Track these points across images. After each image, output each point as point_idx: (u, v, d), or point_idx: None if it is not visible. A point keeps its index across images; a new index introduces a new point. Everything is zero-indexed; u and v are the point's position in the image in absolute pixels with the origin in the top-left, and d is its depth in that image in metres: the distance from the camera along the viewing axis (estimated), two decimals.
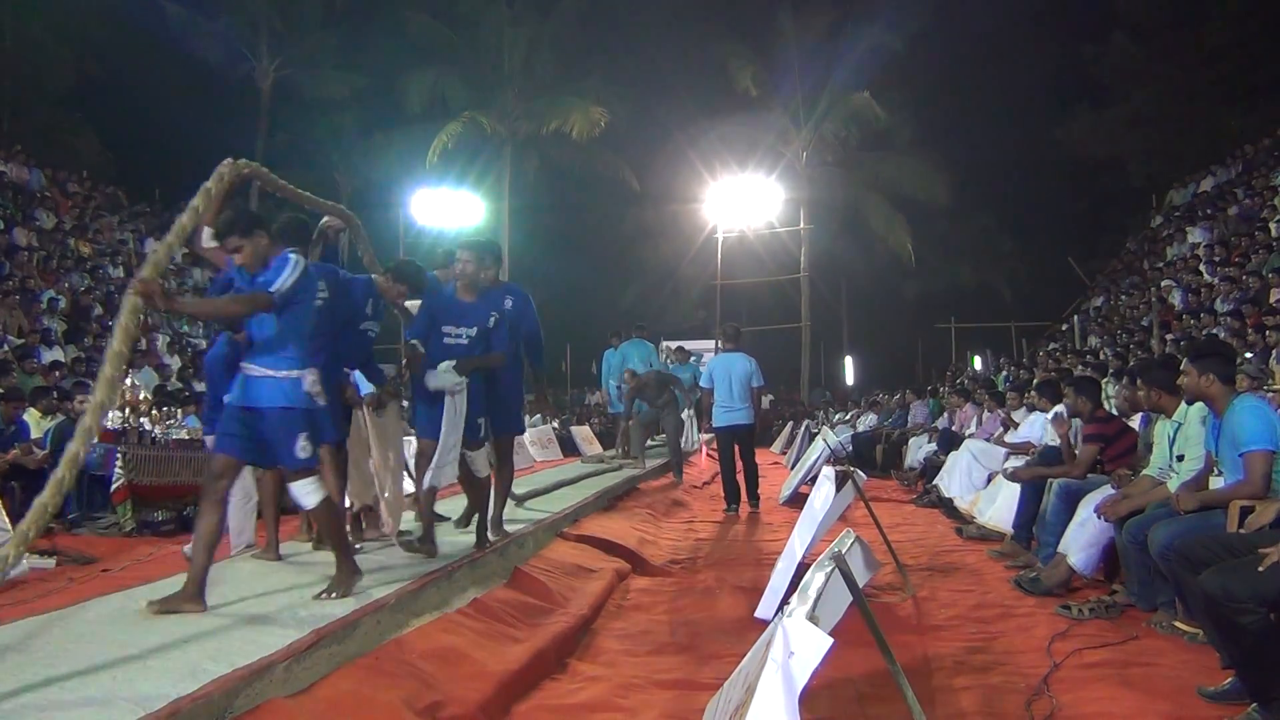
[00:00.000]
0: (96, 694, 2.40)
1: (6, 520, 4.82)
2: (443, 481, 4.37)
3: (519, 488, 6.97)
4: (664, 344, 15.32)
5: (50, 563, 5.07)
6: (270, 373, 3.41)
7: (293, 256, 3.48)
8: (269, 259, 3.47)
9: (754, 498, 8.20)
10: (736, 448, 8.05)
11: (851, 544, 3.44)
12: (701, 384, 8.31)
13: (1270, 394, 5.70)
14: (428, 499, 4.49)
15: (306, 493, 3.49)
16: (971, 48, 25.20)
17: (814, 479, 5.81)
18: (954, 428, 9.78)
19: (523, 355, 5.33)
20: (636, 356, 10.75)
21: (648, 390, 9.90)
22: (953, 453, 7.95)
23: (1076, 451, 5.21)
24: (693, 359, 13.67)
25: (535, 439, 13.09)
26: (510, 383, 5.07)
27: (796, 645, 1.61)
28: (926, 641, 3.72)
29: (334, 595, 3.44)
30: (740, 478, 8.11)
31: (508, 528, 5.31)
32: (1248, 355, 7.63)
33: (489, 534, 4.78)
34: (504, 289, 5.09)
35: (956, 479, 7.48)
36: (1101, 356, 10.50)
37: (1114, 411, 6.00)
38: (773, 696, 1.56)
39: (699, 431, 10.99)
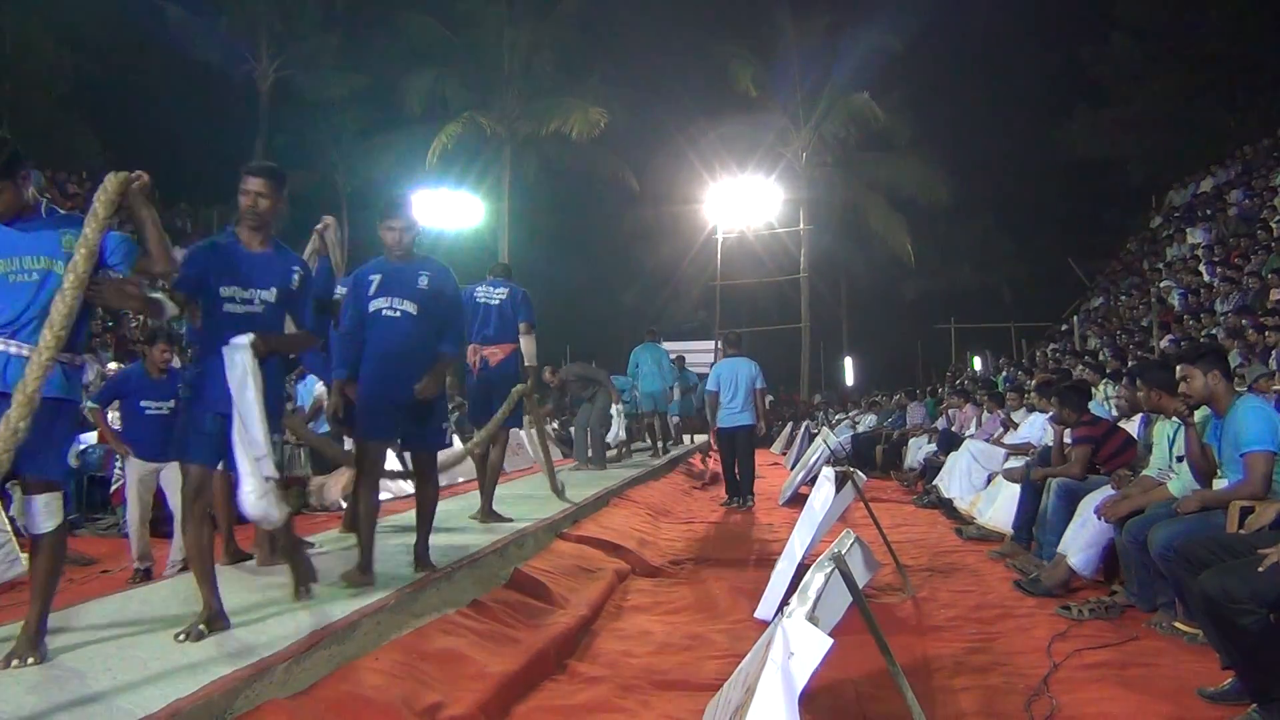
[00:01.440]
0: (96, 694, 2.40)
1: (6, 521, 4.82)
2: (258, 512, 2.95)
3: (529, 486, 6.97)
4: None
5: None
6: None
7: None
8: (29, 206, 2.82)
9: (749, 494, 8.61)
10: (737, 447, 8.60)
11: (851, 545, 3.45)
12: (707, 387, 8.69)
13: (1272, 393, 5.70)
14: (284, 541, 3.35)
15: (50, 512, 2.70)
16: (971, 48, 25.24)
17: (814, 480, 5.81)
18: (954, 428, 9.79)
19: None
20: (650, 359, 11.03)
21: (572, 386, 9.94)
22: (952, 453, 7.96)
23: (1067, 454, 5.24)
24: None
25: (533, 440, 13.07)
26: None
27: (796, 646, 1.61)
28: (926, 642, 3.72)
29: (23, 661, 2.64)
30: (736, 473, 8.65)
31: (508, 528, 5.31)
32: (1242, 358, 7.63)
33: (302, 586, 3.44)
34: (420, 263, 4.00)
35: (956, 480, 7.49)
36: (1101, 357, 10.50)
37: (1114, 412, 6.01)
38: (773, 697, 1.56)
39: (623, 432, 10.68)
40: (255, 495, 2.90)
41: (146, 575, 4.50)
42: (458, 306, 4.14)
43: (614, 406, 9.83)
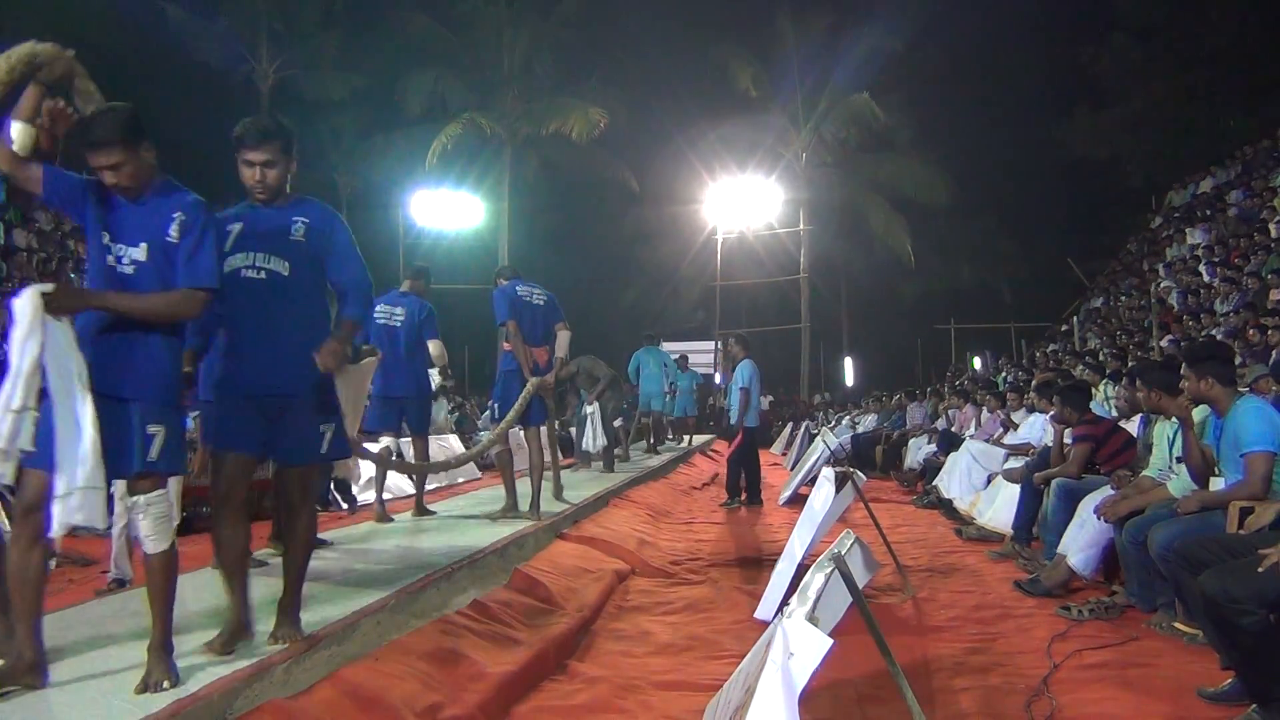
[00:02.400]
0: (96, 695, 2.40)
1: (5, 522, 4.81)
2: (79, 518, 2.26)
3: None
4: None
5: (50, 564, 5.06)
6: None
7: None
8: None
9: (757, 495, 8.76)
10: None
11: (851, 545, 3.45)
12: (741, 385, 8.60)
13: (1272, 393, 5.69)
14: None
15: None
16: (971, 49, 25.22)
17: (814, 480, 5.82)
18: (953, 429, 9.78)
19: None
20: (653, 362, 11.30)
21: (578, 379, 9.89)
22: (952, 454, 7.95)
23: (1067, 453, 5.24)
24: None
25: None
26: (302, 360, 2.85)
27: (796, 646, 1.61)
28: (926, 642, 3.72)
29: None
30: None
31: (508, 528, 5.31)
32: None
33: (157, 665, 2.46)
34: (293, 206, 2.99)
35: (956, 480, 7.49)
36: (1101, 358, 10.50)
37: (1114, 412, 6.02)
38: (772, 697, 1.56)
39: (599, 436, 9.98)
40: (67, 495, 2.22)
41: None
42: (353, 260, 3.05)
43: (589, 407, 9.67)
